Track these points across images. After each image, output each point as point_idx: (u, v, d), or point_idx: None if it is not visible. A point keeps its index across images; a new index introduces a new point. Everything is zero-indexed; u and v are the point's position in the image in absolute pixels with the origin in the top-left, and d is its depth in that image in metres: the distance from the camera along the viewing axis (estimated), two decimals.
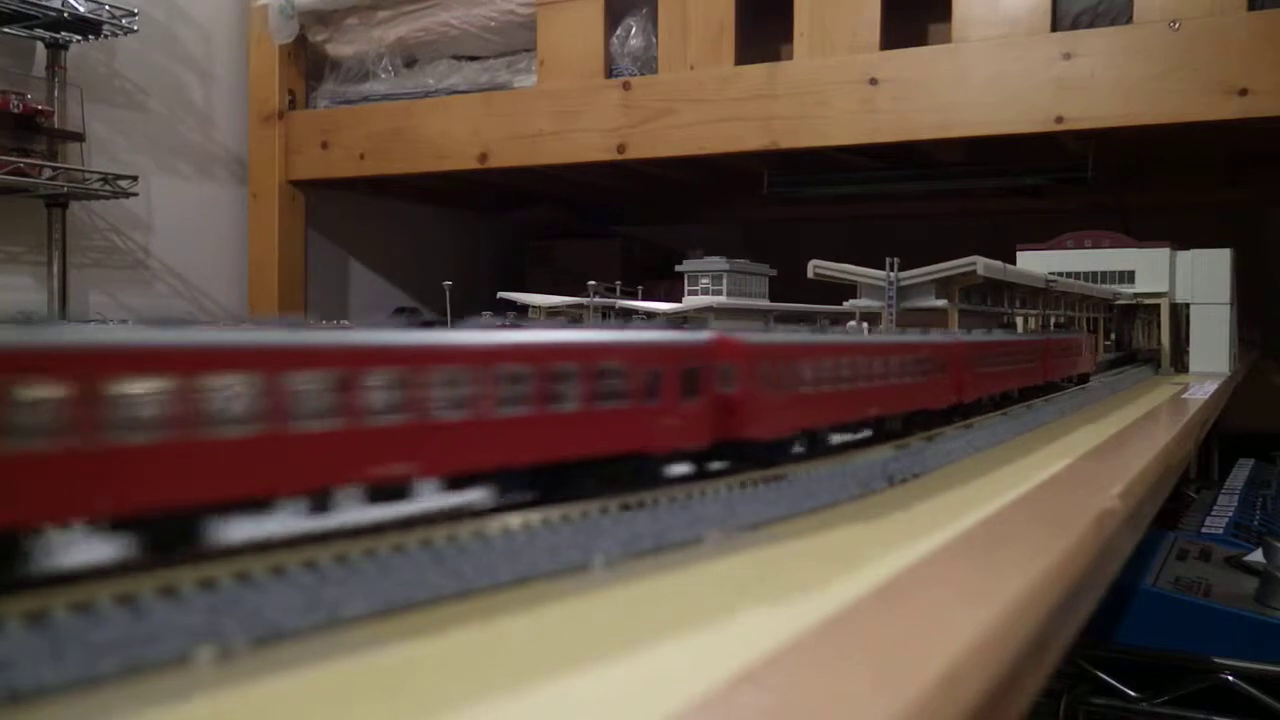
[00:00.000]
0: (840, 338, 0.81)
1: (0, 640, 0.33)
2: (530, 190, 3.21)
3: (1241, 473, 2.39)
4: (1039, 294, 1.69)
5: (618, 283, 1.98)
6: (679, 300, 1.86)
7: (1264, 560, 1.40)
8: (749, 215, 3.54)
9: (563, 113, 2.34)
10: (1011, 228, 2.33)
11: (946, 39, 2.04)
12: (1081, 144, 2.23)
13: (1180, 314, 2.20)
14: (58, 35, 2.22)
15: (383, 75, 2.61)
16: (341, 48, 2.68)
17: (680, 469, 0.63)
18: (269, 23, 2.62)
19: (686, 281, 1.89)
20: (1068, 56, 1.91)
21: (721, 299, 1.82)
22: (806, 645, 0.38)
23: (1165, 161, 2.70)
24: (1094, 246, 2.19)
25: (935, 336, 0.98)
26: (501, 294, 2.00)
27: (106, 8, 2.21)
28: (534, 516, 0.51)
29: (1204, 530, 1.75)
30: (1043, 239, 2.21)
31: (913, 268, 1.35)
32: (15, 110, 2.09)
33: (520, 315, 1.87)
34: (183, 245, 2.62)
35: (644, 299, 1.95)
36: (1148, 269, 2.16)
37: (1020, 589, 0.45)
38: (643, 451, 0.58)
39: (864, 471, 0.72)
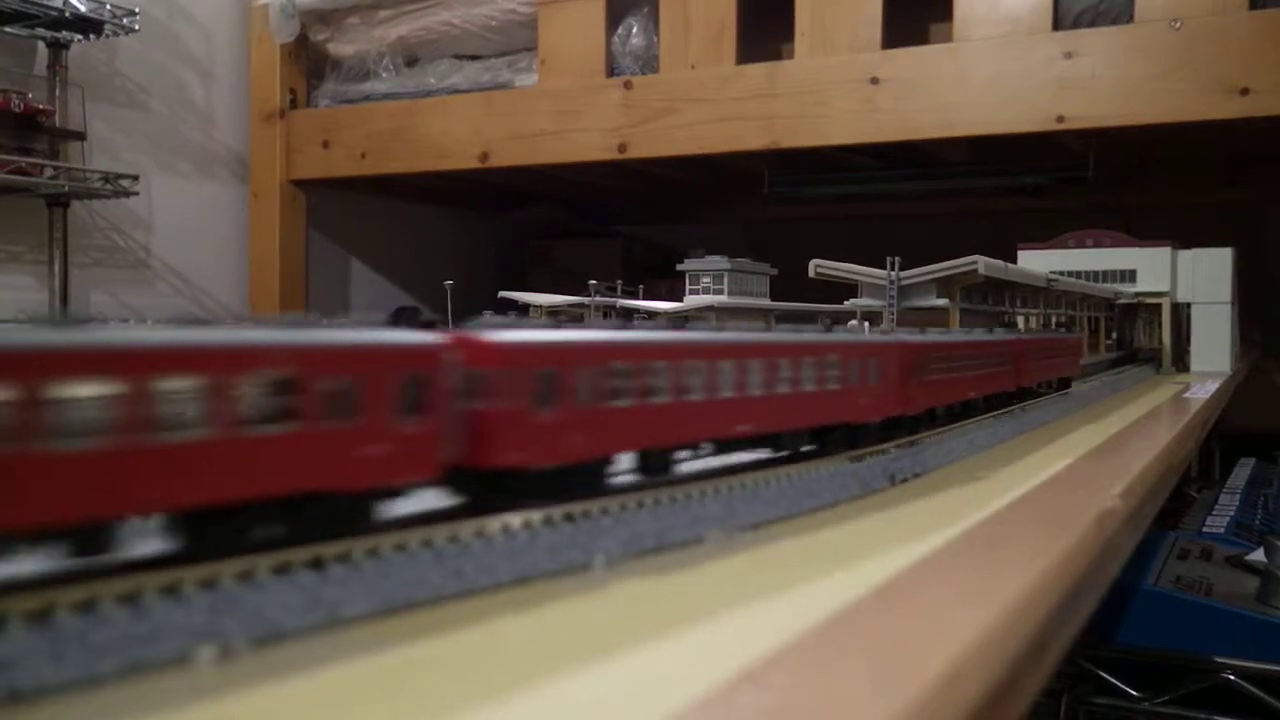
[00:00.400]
0: (683, 337, 0.63)
1: (1, 640, 0.33)
2: (531, 190, 3.21)
3: (1243, 472, 2.39)
4: (1040, 293, 1.68)
5: (619, 282, 1.98)
6: (680, 300, 1.86)
7: (1265, 560, 1.40)
8: (750, 215, 3.54)
9: (564, 112, 2.34)
10: (1012, 227, 2.33)
11: (947, 38, 2.04)
12: (1082, 143, 2.22)
13: (1181, 313, 2.20)
14: (59, 34, 2.22)
15: (384, 74, 2.61)
16: (342, 47, 2.68)
17: (410, 506, 0.50)
18: (270, 22, 2.62)
19: (688, 281, 1.89)
20: (1069, 56, 1.91)
21: (723, 298, 1.82)
22: (807, 645, 0.38)
23: (1166, 161, 2.70)
24: (1095, 246, 2.19)
25: (863, 335, 0.86)
26: (502, 293, 2.00)
27: (107, 7, 2.21)
28: (535, 516, 0.51)
29: (1205, 530, 1.75)
30: (1044, 238, 2.21)
31: (914, 267, 1.35)
32: (16, 109, 2.09)
33: (521, 314, 1.88)
34: (184, 244, 2.62)
35: (645, 298, 1.95)
36: (1149, 268, 2.16)
37: (1021, 589, 0.45)
38: (337, 488, 0.45)
39: (865, 471, 0.72)
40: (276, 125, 2.67)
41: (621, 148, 2.29)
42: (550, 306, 1.91)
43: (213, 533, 0.41)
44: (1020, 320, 1.66)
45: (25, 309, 2.12)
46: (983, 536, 0.58)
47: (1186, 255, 2.18)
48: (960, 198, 2.93)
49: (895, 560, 0.51)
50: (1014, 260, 2.02)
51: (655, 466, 0.61)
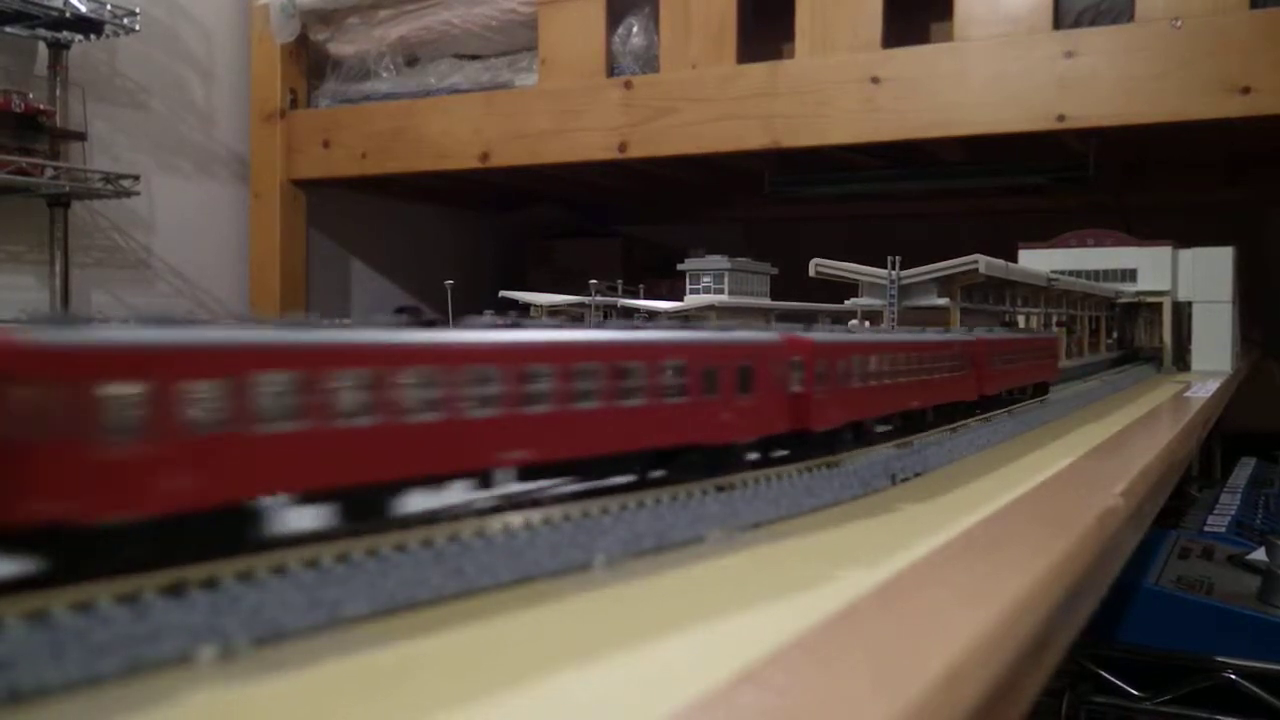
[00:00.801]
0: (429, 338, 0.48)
1: (1, 640, 0.33)
2: (531, 190, 3.21)
3: (1244, 471, 2.39)
4: (1041, 293, 1.68)
5: (619, 282, 1.98)
6: (681, 299, 1.86)
7: (1266, 559, 1.40)
8: (750, 214, 3.54)
9: (564, 112, 2.34)
10: (1013, 226, 2.33)
11: (948, 37, 2.04)
12: (1083, 143, 2.22)
13: (1182, 313, 2.20)
14: (59, 35, 2.22)
15: (384, 74, 2.61)
16: (343, 47, 2.68)
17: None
18: (270, 22, 2.62)
19: (688, 280, 1.89)
20: (1069, 55, 1.91)
21: (723, 297, 1.83)
22: (807, 645, 0.38)
23: (1166, 161, 2.70)
24: (1095, 245, 2.19)
25: (736, 334, 0.67)
26: (503, 293, 2.00)
27: (108, 7, 2.21)
28: (535, 515, 0.51)
29: (1206, 529, 1.75)
30: (1044, 238, 2.21)
31: (914, 266, 1.35)
32: (17, 110, 2.09)
33: (522, 314, 1.88)
34: (184, 244, 2.62)
35: (645, 298, 1.95)
36: (1150, 268, 2.16)
37: (1021, 588, 0.45)
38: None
39: (866, 470, 0.72)
40: (277, 125, 2.67)
41: (622, 147, 2.29)
42: (551, 306, 1.91)
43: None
44: (1021, 319, 1.66)
45: (24, 309, 2.12)
46: (983, 536, 0.58)
47: (1187, 255, 2.18)
48: (960, 197, 2.93)
49: (895, 560, 0.51)
50: (1014, 260, 2.01)
51: (360, 511, 0.46)
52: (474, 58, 2.55)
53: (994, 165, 2.48)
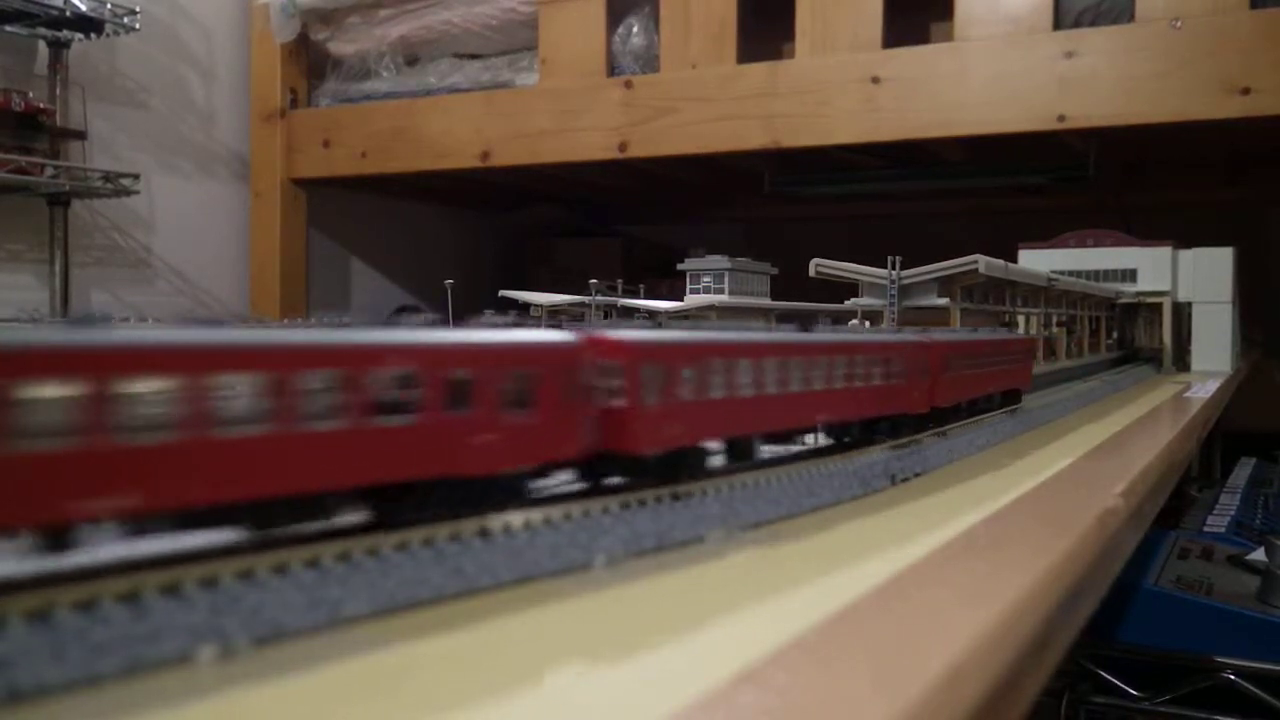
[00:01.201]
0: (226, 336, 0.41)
1: (1, 639, 0.33)
2: (531, 189, 3.21)
3: (1243, 472, 2.39)
4: (1041, 293, 1.68)
5: (619, 281, 1.98)
6: (681, 299, 1.86)
7: (1266, 559, 1.40)
8: (750, 214, 3.54)
9: (564, 111, 2.34)
10: (1013, 227, 2.33)
11: (948, 37, 2.04)
12: (1083, 143, 2.22)
13: (1182, 313, 2.20)
14: (59, 34, 2.22)
15: (384, 74, 2.61)
16: (343, 46, 2.68)
17: None
18: (270, 21, 2.62)
19: (688, 280, 1.89)
20: (1070, 55, 1.91)
21: (723, 297, 1.82)
22: (807, 645, 0.38)
23: (1166, 161, 2.70)
24: (1095, 245, 2.19)
25: (527, 333, 0.54)
26: (503, 293, 2.00)
27: (108, 6, 2.21)
28: (535, 515, 0.51)
29: (1206, 529, 1.75)
30: (1044, 238, 2.21)
31: (914, 266, 1.35)
32: (17, 109, 2.09)
33: (522, 313, 1.87)
34: (184, 244, 2.62)
35: (646, 298, 1.95)
36: (1150, 268, 2.16)
37: (1021, 588, 0.45)
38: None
39: (866, 470, 0.72)
40: (277, 125, 2.67)
41: (622, 147, 2.29)
42: (551, 306, 1.90)
43: None
44: (1021, 320, 1.66)
45: (24, 308, 2.12)
46: (983, 536, 0.58)
47: (1187, 255, 2.18)
48: (961, 197, 2.93)
49: (895, 560, 0.51)
50: (1014, 260, 2.01)
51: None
52: (474, 57, 2.54)
53: (994, 165, 2.48)
